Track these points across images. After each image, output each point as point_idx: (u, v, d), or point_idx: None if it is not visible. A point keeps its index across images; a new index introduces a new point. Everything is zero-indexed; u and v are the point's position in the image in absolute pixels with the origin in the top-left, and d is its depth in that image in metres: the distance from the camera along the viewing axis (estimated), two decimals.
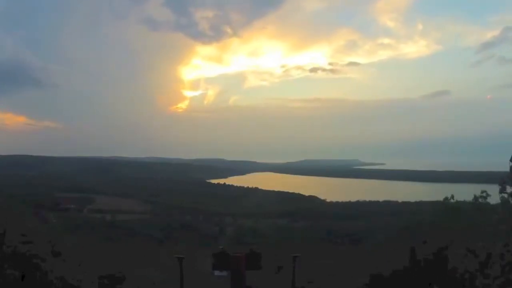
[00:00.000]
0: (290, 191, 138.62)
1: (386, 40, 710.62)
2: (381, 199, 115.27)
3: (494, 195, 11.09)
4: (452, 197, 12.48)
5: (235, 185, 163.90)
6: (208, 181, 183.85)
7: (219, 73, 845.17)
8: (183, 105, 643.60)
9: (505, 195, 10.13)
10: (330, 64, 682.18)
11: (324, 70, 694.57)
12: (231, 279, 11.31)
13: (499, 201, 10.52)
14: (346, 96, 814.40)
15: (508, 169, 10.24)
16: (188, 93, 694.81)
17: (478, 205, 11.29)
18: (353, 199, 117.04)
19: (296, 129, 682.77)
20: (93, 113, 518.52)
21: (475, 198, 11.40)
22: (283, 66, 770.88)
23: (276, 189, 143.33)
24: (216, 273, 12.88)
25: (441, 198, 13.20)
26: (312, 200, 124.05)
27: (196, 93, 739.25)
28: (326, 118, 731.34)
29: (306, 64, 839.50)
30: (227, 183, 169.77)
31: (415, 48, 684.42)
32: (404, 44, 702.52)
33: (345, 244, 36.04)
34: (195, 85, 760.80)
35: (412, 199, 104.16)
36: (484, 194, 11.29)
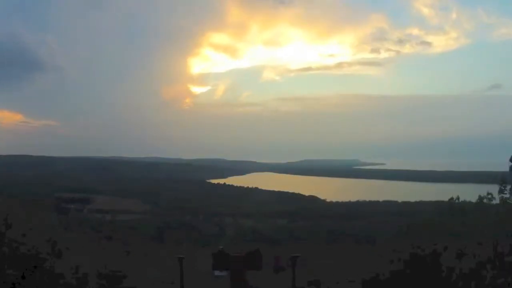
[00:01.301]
0: (290, 191, 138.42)
1: (415, 31, 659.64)
2: (381, 199, 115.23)
3: (494, 194, 11.12)
4: (458, 198, 12.51)
5: (235, 185, 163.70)
6: (208, 181, 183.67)
7: (229, 67, 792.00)
8: (188, 102, 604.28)
9: (505, 195, 10.17)
10: (353, 56, 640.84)
11: (346, 63, 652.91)
12: (231, 279, 11.29)
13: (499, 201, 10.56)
14: (370, 92, 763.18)
15: (507, 169, 10.28)
16: (195, 89, 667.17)
17: (481, 206, 11.33)
18: (353, 199, 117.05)
19: (308, 128, 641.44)
20: (92, 110, 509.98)
21: (480, 198, 11.43)
22: (301, 59, 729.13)
23: (276, 189, 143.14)
24: (216, 273, 12.88)
25: (441, 198, 13.21)
26: (312, 200, 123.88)
27: (204, 89, 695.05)
28: (342, 116, 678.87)
29: (326, 56, 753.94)
30: (227, 183, 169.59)
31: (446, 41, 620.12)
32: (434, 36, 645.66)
33: (345, 244, 36.01)
34: (202, 80, 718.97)
35: (412, 199, 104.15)
36: (490, 196, 11.33)
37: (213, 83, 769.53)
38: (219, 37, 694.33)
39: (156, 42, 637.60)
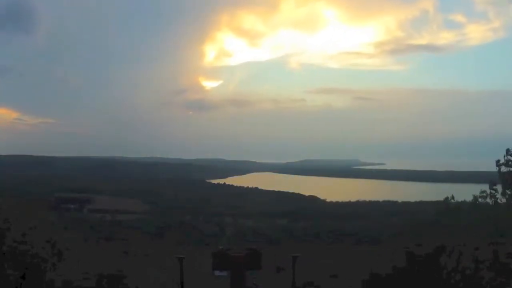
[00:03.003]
0: (290, 191, 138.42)
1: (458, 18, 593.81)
2: (381, 199, 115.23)
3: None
4: (453, 197, 12.53)
5: (235, 185, 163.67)
6: (208, 181, 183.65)
7: (244, 59, 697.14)
8: (195, 98, 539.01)
9: (495, 196, 10.26)
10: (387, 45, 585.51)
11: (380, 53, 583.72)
12: (231, 279, 11.30)
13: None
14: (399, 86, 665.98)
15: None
16: (204, 83, 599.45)
17: (477, 205, 11.35)
18: (353, 199, 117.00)
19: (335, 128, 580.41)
20: (92, 110, 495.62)
21: (475, 198, 11.46)
22: (326, 48, 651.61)
23: (276, 189, 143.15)
24: (216, 273, 12.87)
25: (441, 198, 13.19)
26: (312, 200, 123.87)
27: (215, 83, 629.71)
28: (360, 116, 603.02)
29: (357, 45, 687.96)
30: (227, 183, 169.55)
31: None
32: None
33: (345, 244, 36.05)
34: (212, 73, 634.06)
35: (412, 199, 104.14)
36: (484, 194, 11.36)
37: (225, 77, 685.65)
38: (237, 20, 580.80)
39: (161, 25, 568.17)
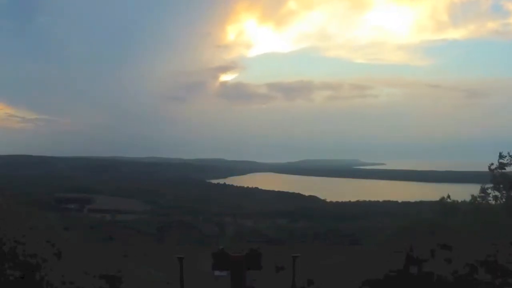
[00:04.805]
0: (290, 191, 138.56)
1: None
2: (381, 199, 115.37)
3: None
4: (449, 196, 12.55)
5: (235, 185, 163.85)
6: (208, 181, 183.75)
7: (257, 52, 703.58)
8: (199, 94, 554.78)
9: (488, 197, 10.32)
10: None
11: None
12: (231, 279, 11.29)
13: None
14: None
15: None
16: (207, 79, 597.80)
17: (476, 206, 11.36)
18: (353, 199, 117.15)
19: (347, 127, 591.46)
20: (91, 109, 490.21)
21: (473, 198, 11.48)
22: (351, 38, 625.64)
23: (276, 189, 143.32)
24: (216, 273, 12.86)
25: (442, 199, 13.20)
26: (312, 200, 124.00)
27: (228, 77, 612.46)
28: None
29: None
30: (227, 183, 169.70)
31: None
32: None
33: (345, 244, 36.02)
34: (221, 68, 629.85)
35: (412, 199, 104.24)
36: (483, 194, 11.38)
37: (236, 70, 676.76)
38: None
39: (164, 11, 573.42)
